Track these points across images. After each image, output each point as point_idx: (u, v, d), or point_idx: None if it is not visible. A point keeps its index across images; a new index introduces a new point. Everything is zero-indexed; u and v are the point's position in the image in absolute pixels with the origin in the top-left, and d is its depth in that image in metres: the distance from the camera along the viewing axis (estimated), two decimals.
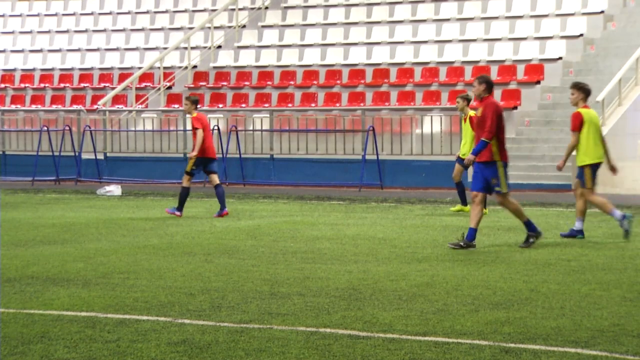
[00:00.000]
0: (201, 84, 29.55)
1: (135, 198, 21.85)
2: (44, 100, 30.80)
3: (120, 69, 31.10)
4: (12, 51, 33.48)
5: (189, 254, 12.66)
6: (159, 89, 29.47)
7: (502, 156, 12.97)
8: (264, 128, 26.52)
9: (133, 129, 27.83)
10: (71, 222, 16.57)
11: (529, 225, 13.19)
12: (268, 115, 26.74)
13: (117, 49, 32.13)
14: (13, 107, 30.69)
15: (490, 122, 12.82)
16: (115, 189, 22.83)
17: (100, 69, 31.48)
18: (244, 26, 31.88)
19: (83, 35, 33.30)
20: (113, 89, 29.71)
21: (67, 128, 27.45)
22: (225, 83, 29.46)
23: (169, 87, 29.77)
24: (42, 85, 31.54)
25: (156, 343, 7.69)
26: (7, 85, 31.98)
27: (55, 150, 27.07)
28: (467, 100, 17.53)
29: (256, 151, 26.27)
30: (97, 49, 32.36)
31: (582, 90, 14.14)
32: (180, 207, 17.29)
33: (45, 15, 34.93)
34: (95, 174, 26.73)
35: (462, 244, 12.99)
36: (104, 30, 33.30)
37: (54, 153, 27.00)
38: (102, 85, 30.63)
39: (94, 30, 33.45)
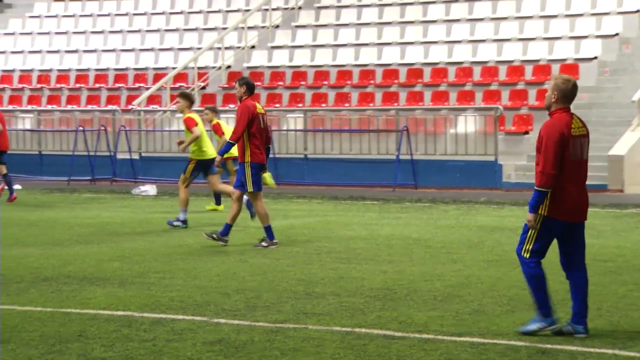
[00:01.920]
0: (234, 83, 29.60)
1: (170, 198, 21.90)
2: (80, 101, 30.99)
3: (154, 69, 31.23)
4: (49, 52, 33.71)
5: (223, 254, 12.70)
6: (193, 89, 29.57)
7: (253, 158, 13.29)
8: (297, 128, 26.54)
9: (168, 128, 27.93)
10: (107, 222, 16.67)
11: (268, 230, 13.39)
12: (302, 115, 26.76)
13: (151, 50, 32.28)
14: (49, 107, 30.90)
15: (239, 124, 13.26)
16: (150, 189, 22.92)
17: (135, 69, 31.63)
18: (277, 26, 31.93)
19: (118, 35, 33.48)
20: (148, 89, 29.84)
21: (102, 128, 27.60)
22: (259, 83, 29.48)
23: (203, 87, 29.88)
24: (77, 85, 31.73)
25: (192, 342, 7.72)
26: (43, 85, 32.22)
27: (91, 150, 27.23)
28: (215, 111, 18.83)
29: (290, 151, 26.28)
30: (132, 50, 32.52)
31: (187, 99, 16.18)
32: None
33: (81, 16, 35.14)
34: (130, 173, 26.85)
35: (214, 236, 13.40)
36: (139, 31, 33.46)
37: (89, 153, 27.16)
38: (137, 85, 30.77)
39: (129, 31, 33.62)
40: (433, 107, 25.99)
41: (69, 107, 30.49)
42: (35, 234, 15.03)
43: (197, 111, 18.92)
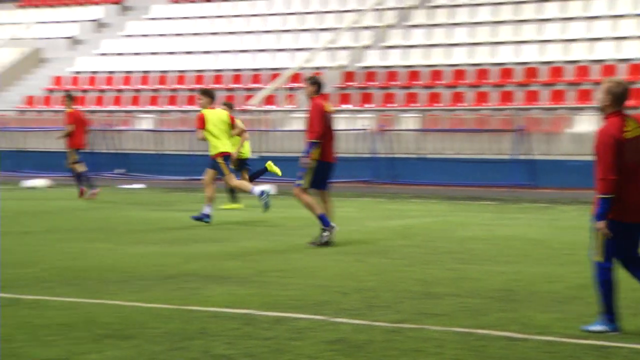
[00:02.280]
0: (349, 83, 29.72)
1: (288, 197, 22.08)
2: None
3: (270, 69, 31.53)
4: (167, 53, 34.31)
5: (340, 254, 12.73)
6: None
7: (322, 156, 13.31)
8: (413, 127, 26.48)
9: (284, 128, 28.16)
10: (225, 221, 16.88)
11: (322, 219, 13.37)
12: (417, 115, 26.70)
13: (268, 50, 32.58)
14: (168, 108, 31.46)
15: (315, 122, 13.21)
16: (268, 189, 23.10)
17: (252, 69, 31.98)
18: (391, 26, 31.90)
19: (235, 37, 33.90)
20: (264, 89, 30.13)
21: None
22: (373, 83, 29.54)
23: None
24: (195, 86, 32.23)
25: (312, 341, 7.75)
26: (162, 86, 32.80)
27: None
28: (231, 107, 19.02)
29: (406, 151, 26.24)
30: (249, 50, 32.88)
31: (208, 95, 16.54)
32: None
33: (199, 17, 35.67)
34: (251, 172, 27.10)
35: (321, 239, 13.28)
36: (255, 32, 33.81)
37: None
38: (253, 85, 31.10)
39: (246, 32, 34.01)
40: (550, 106, 25.66)
41: (187, 107, 30.99)
42: (157, 232, 15.32)
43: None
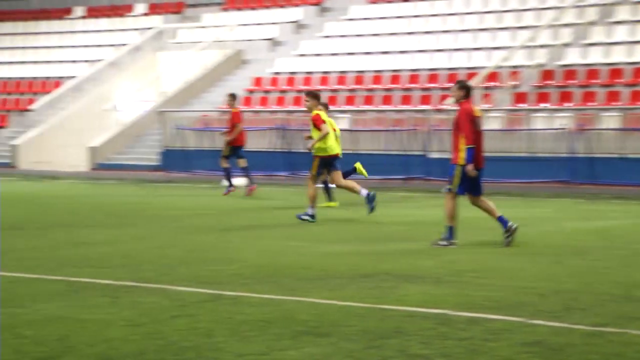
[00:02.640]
0: (548, 82, 29.19)
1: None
2: (393, 101, 31.58)
3: (467, 68, 31.32)
4: (364, 53, 34.57)
5: (537, 255, 12.52)
6: (506, 88, 29.39)
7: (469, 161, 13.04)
8: (614, 127, 25.77)
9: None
10: (419, 220, 16.89)
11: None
12: (618, 114, 25.97)
13: (464, 49, 32.38)
14: (364, 107, 31.70)
15: (466, 127, 13.06)
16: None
17: (448, 69, 31.85)
18: (592, 23, 31.14)
19: (431, 36, 33.84)
20: None
21: (415, 128, 27.99)
22: (573, 81, 28.92)
23: (516, 86, 29.63)
24: (391, 86, 32.36)
25: (508, 343, 7.65)
26: (358, 86, 33.09)
27: (404, 149, 27.67)
28: (327, 107, 18.58)
29: (606, 150, 25.56)
30: (445, 50, 32.76)
31: (315, 98, 16.67)
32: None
33: (396, 17, 35.79)
34: (442, 173, 27.04)
35: (441, 243, 13.16)
36: (452, 31, 33.67)
37: (402, 152, 27.62)
38: (449, 85, 30.95)
39: (442, 31, 33.90)
40: None
41: (383, 107, 31.15)
42: (351, 230, 15.47)
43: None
